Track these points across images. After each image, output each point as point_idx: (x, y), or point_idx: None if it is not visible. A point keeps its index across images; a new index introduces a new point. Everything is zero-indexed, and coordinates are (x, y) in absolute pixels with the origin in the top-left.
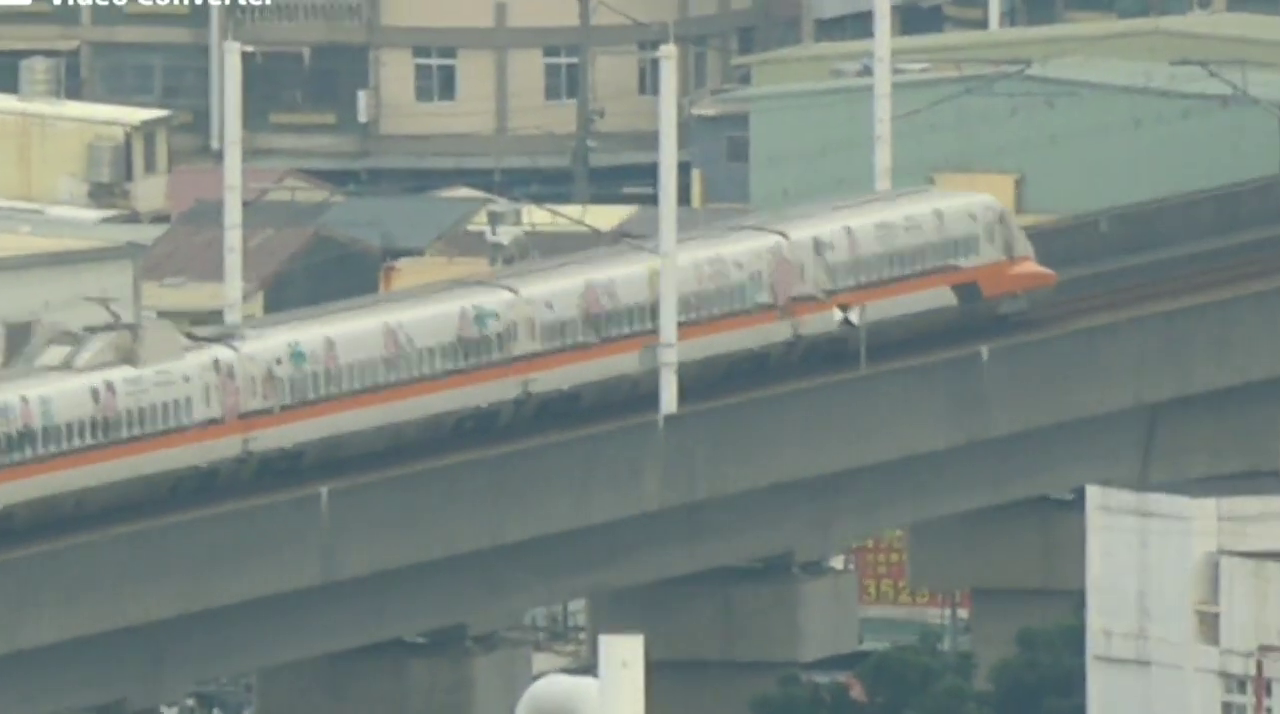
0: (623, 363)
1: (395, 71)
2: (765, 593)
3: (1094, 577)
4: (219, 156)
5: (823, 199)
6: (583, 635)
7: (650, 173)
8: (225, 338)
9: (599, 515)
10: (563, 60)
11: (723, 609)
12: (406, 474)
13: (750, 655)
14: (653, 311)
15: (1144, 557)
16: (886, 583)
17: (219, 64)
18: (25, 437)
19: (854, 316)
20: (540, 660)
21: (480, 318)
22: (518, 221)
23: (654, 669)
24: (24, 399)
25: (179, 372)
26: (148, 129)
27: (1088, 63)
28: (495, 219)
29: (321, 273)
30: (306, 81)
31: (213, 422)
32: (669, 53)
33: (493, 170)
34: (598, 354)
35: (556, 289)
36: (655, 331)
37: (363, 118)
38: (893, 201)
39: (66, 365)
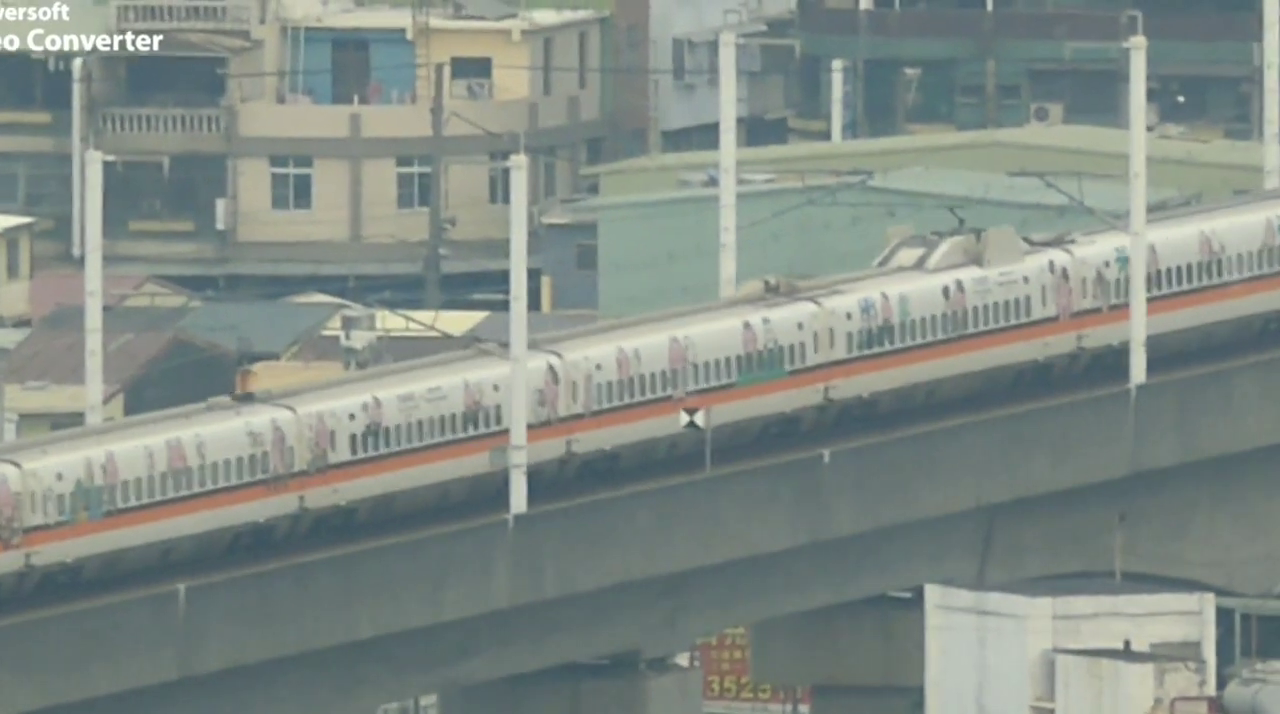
0: None
1: (252, 180)
2: (612, 689)
3: (933, 674)
4: (80, 262)
5: None
6: None
7: (501, 279)
8: (1061, 242)
9: (450, 612)
10: (415, 170)
11: (570, 705)
12: (262, 571)
13: None
14: None
15: (981, 654)
16: (730, 679)
17: (80, 173)
18: (884, 331)
19: (699, 420)
20: None
21: None
22: (371, 327)
23: None
24: (884, 296)
25: (1019, 273)
26: (11, 235)
27: (927, 174)
28: (349, 324)
29: (179, 376)
30: (166, 190)
31: (1049, 320)
32: (519, 163)
33: (347, 277)
34: None
35: None
36: None
37: (220, 225)
38: None
39: (919, 266)
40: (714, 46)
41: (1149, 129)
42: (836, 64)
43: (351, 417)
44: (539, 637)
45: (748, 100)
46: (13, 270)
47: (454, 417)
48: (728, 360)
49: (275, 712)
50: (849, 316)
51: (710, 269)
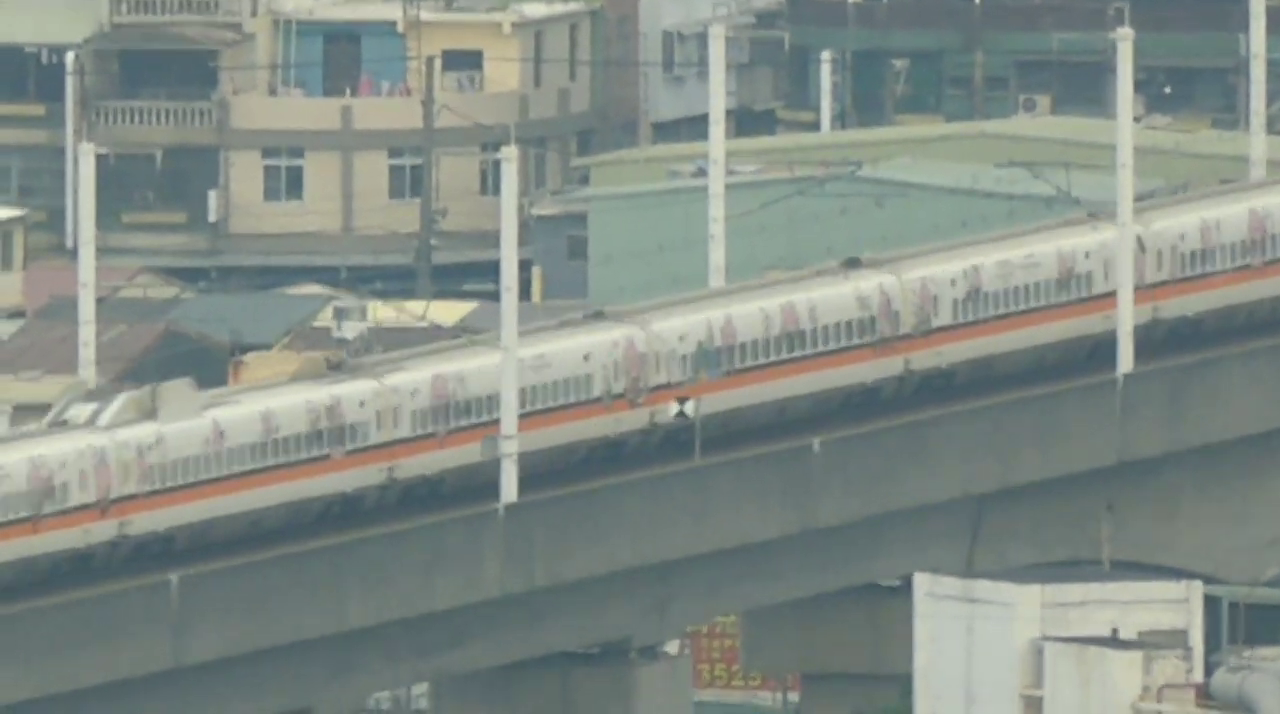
0: None
1: (244, 172)
2: (603, 677)
3: (921, 662)
4: (73, 254)
5: None
6: None
7: (491, 270)
8: None
9: (441, 602)
10: (406, 161)
11: (561, 693)
12: (254, 560)
13: None
14: None
15: (970, 642)
16: (720, 667)
17: (74, 165)
18: None
19: (689, 409)
20: None
21: None
22: (363, 317)
23: None
24: None
25: None
26: (4, 227)
27: (916, 164)
28: (341, 315)
29: (172, 367)
30: (158, 182)
31: None
32: (510, 154)
33: (339, 268)
34: None
35: None
36: None
37: (213, 217)
38: None
39: None
40: (703, 38)
41: (1136, 120)
42: (825, 55)
43: (953, 282)
44: (530, 625)
45: (737, 92)
46: (6, 262)
47: (1048, 282)
48: None
49: (267, 701)
50: None
51: (700, 259)
